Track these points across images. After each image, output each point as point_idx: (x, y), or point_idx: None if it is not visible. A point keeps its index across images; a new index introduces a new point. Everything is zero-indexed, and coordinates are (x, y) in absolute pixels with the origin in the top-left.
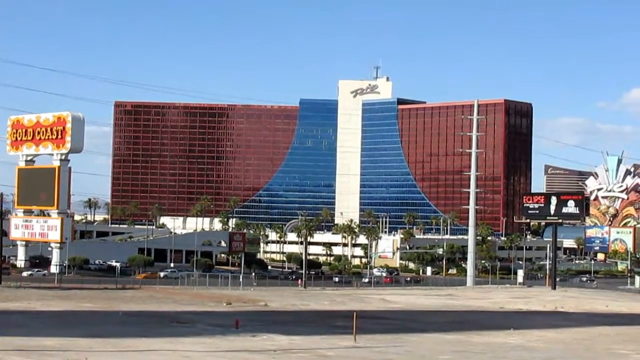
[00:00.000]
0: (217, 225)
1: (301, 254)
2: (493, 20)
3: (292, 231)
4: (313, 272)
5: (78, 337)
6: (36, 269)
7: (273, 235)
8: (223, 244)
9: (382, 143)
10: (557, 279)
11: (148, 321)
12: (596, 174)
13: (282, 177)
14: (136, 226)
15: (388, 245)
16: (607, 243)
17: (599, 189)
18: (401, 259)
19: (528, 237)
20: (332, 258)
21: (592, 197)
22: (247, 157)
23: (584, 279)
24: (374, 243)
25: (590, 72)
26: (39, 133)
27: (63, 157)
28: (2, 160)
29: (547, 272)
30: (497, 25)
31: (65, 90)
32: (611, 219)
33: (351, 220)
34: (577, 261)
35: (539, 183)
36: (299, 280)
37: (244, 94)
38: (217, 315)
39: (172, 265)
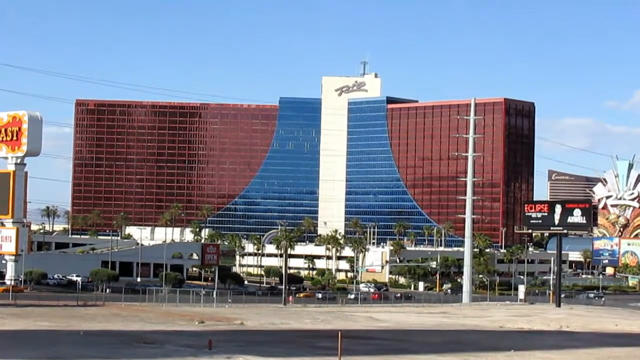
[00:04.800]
0: (189, 236)
1: (281, 267)
2: (492, 14)
3: (270, 242)
4: (294, 288)
5: None
6: None
7: (250, 247)
8: (195, 256)
9: (370, 146)
10: (562, 296)
11: (111, 342)
12: (605, 180)
13: (260, 183)
14: (99, 237)
15: (376, 258)
16: (617, 256)
17: (608, 197)
18: (390, 273)
19: (530, 249)
20: (314, 272)
21: (601, 206)
22: (222, 162)
23: (592, 295)
24: (360, 255)
25: (598, 69)
26: None
27: (19, 160)
28: None
29: (551, 288)
30: (496, 19)
31: (21, 88)
32: (621, 229)
33: (336, 231)
34: (583, 276)
35: (542, 190)
36: (290, 297)
37: (218, 92)
38: (188, 335)
39: (138, 279)
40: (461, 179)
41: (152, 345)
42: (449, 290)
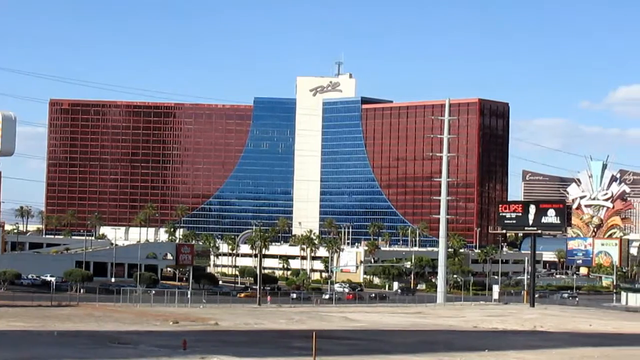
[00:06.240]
0: (163, 236)
1: (255, 267)
2: (466, 15)
3: (245, 243)
4: (268, 288)
5: None
6: None
7: (224, 247)
8: (169, 256)
9: (345, 146)
10: (536, 296)
11: (86, 342)
12: (579, 180)
13: (234, 183)
14: (73, 237)
15: (351, 258)
16: (591, 256)
17: (581, 197)
18: (365, 273)
19: (504, 249)
20: (289, 272)
21: (575, 206)
22: (196, 162)
23: (566, 295)
24: (335, 256)
25: (572, 69)
26: None
27: None
28: None
29: (525, 288)
30: (470, 20)
31: None
32: (595, 229)
33: (310, 231)
34: (557, 276)
35: (516, 190)
36: (269, 297)
37: (193, 91)
38: (162, 335)
39: (112, 280)
40: (436, 179)
41: (127, 345)
42: (399, 290)
